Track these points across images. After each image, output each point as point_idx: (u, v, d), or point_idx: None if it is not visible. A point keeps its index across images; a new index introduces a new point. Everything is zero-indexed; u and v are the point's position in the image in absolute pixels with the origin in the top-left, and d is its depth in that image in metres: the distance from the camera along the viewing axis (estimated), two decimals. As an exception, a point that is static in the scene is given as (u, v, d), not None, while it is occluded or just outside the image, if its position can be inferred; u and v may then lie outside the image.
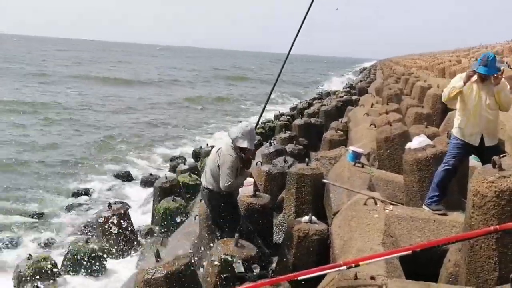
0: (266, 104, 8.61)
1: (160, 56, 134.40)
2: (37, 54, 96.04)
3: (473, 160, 7.41)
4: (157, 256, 5.10)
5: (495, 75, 5.89)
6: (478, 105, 6.00)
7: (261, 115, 8.81)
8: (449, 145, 6.39)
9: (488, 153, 5.75)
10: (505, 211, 4.02)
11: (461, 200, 6.40)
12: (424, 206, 6.14)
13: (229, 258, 5.36)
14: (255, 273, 4.69)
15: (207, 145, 17.27)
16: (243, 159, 6.40)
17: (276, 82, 8.40)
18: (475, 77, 6.03)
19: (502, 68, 6.45)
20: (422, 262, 4.90)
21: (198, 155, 17.53)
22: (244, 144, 6.23)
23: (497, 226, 3.93)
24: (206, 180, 6.48)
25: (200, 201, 7.63)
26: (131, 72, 67.68)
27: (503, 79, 6.02)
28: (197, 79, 66.12)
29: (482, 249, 4.14)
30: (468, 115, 6.10)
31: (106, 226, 9.36)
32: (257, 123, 8.72)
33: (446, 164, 6.14)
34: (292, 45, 8.01)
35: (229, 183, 6.18)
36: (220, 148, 6.43)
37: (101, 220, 9.46)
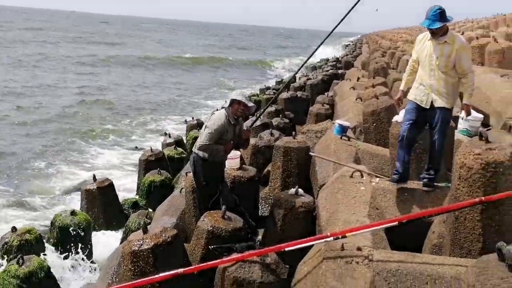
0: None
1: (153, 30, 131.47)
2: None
3: (459, 134, 7.48)
4: (144, 228, 5.08)
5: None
6: (427, 65, 5.83)
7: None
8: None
9: (438, 115, 5.74)
10: (491, 183, 4.06)
11: (447, 173, 6.45)
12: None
13: (217, 230, 5.37)
14: (242, 244, 4.71)
15: (193, 118, 17.17)
16: (239, 135, 6.43)
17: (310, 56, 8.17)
18: (427, 37, 5.86)
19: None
20: (407, 234, 4.95)
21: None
22: (238, 97, 6.27)
23: (483, 197, 3.97)
24: (195, 146, 6.45)
25: (186, 175, 7.61)
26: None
27: (461, 39, 5.81)
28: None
29: (467, 220, 4.19)
30: (420, 75, 5.96)
31: (91, 198, 9.32)
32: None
33: (400, 136, 6.04)
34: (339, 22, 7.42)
35: (203, 143, 6.14)
36: (212, 114, 6.46)
37: (86, 192, 9.41)
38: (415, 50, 6.10)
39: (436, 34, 5.66)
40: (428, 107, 5.81)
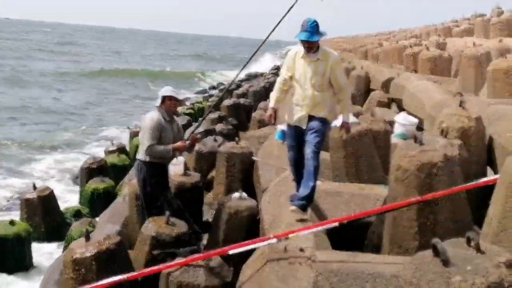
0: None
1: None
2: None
3: (395, 138, 7.75)
4: (87, 236, 5.00)
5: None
6: (302, 84, 5.33)
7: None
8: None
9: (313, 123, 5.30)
10: (426, 184, 4.24)
11: (384, 176, 6.67)
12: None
13: (160, 236, 5.35)
14: (186, 249, 4.72)
15: (135, 125, 16.95)
16: (179, 131, 6.39)
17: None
18: (301, 53, 5.35)
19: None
20: (348, 235, 5.09)
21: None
22: (168, 92, 6.22)
23: (419, 197, 4.15)
24: (138, 153, 6.37)
25: (129, 181, 7.53)
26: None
27: (334, 54, 5.40)
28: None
29: (404, 219, 4.36)
30: (295, 95, 5.41)
31: (31, 208, 9.03)
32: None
33: (289, 161, 5.79)
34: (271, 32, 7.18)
35: (149, 144, 6.00)
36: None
37: (26, 201, 9.12)
38: (287, 66, 5.50)
39: (312, 49, 5.25)
40: (305, 127, 5.34)
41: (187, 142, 6.44)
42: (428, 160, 4.25)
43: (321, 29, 5.24)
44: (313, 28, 5.15)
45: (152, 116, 6.16)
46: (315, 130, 5.24)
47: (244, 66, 7.72)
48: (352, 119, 6.97)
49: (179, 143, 6.35)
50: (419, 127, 8.52)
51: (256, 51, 7.14)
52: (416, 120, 8.29)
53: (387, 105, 12.14)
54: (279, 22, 6.78)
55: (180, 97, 6.27)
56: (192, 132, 7.18)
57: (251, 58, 7.54)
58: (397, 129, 8.13)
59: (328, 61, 5.27)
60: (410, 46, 16.20)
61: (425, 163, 4.25)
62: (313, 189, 5.17)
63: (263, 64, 50.61)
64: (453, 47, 16.16)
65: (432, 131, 7.96)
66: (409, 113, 9.40)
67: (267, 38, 6.80)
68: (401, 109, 11.01)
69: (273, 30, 6.76)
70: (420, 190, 4.25)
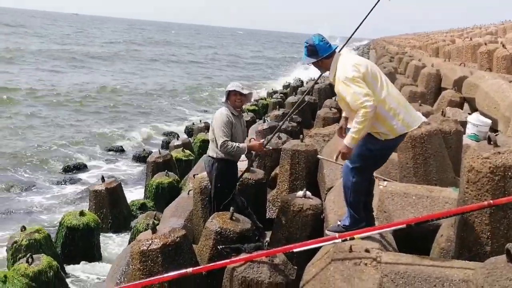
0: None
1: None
2: None
3: (467, 139, 7.49)
4: (153, 228, 5.11)
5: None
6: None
7: None
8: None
9: None
10: (499, 187, 4.06)
11: (455, 177, 6.46)
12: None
13: (225, 231, 5.41)
14: (251, 245, 4.73)
15: (200, 121, 17.25)
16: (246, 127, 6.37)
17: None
18: None
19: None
20: (415, 237, 4.96)
21: (191, 132, 17.54)
22: (233, 87, 6.19)
23: (491, 201, 3.98)
24: (208, 149, 6.39)
25: (194, 177, 7.64)
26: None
27: (339, 70, 4.56)
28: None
29: (475, 223, 4.20)
30: None
31: (100, 199, 9.38)
32: None
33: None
34: (358, 26, 7.05)
35: (223, 140, 5.98)
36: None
37: (94, 193, 9.47)
38: None
39: (323, 68, 4.86)
40: None
41: (264, 142, 6.44)
42: (503, 162, 4.06)
43: (332, 44, 4.70)
44: (304, 51, 4.75)
45: (222, 112, 6.17)
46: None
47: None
48: (422, 118, 6.80)
49: (255, 143, 6.40)
50: (493, 128, 8.20)
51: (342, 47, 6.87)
52: (489, 121, 7.98)
53: (459, 104, 11.72)
54: (363, 20, 6.55)
55: (245, 92, 6.24)
56: (266, 144, 6.84)
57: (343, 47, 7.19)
58: (470, 130, 7.87)
59: (334, 80, 4.64)
60: (485, 44, 15.56)
61: (499, 165, 4.07)
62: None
63: None
64: (531, 45, 15.40)
65: (507, 132, 7.64)
66: (482, 114, 9.07)
67: (351, 36, 6.73)
68: (473, 109, 10.65)
69: (357, 28, 6.63)
70: (493, 193, 4.08)
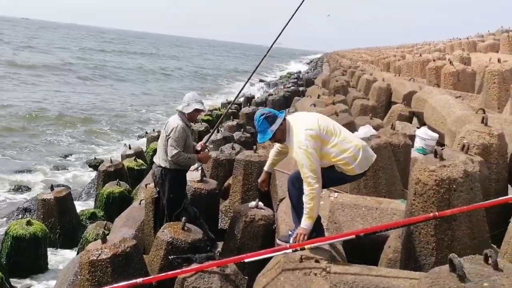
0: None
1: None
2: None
3: (415, 152, 7.69)
4: (103, 238, 5.03)
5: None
6: None
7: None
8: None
9: None
10: (444, 199, 4.20)
11: (403, 190, 6.63)
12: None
13: (176, 241, 5.37)
14: (202, 255, 4.71)
15: (153, 130, 17.08)
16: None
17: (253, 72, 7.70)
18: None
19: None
20: (365, 248, 5.06)
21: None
22: (198, 106, 6.24)
23: (436, 213, 4.11)
24: (158, 159, 6.37)
25: (146, 186, 7.56)
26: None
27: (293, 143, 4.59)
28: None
29: (421, 235, 4.32)
30: None
31: (47, 208, 9.13)
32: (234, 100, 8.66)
33: None
34: (276, 38, 7.29)
35: (176, 151, 6.05)
36: (167, 122, 6.40)
37: (42, 202, 9.22)
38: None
39: (280, 140, 4.87)
40: None
41: (207, 151, 6.53)
42: (448, 175, 4.21)
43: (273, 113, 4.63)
44: (262, 125, 4.61)
45: (178, 123, 6.18)
46: None
47: (251, 76, 7.81)
48: (371, 131, 6.95)
49: (204, 154, 6.51)
50: (440, 142, 8.45)
51: (264, 57, 7.32)
52: (436, 135, 8.22)
53: (409, 118, 12.06)
54: (283, 29, 7.04)
55: (206, 108, 6.33)
56: (206, 141, 7.02)
57: (257, 67, 7.64)
58: (418, 143, 8.08)
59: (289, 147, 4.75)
60: (434, 60, 16.09)
61: (444, 178, 4.21)
62: None
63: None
64: (477, 62, 16.01)
65: (452, 146, 7.90)
66: (430, 128, 9.34)
67: (271, 47, 7.18)
68: (422, 123, 10.94)
69: (277, 37, 6.98)
70: (438, 205, 4.21)
